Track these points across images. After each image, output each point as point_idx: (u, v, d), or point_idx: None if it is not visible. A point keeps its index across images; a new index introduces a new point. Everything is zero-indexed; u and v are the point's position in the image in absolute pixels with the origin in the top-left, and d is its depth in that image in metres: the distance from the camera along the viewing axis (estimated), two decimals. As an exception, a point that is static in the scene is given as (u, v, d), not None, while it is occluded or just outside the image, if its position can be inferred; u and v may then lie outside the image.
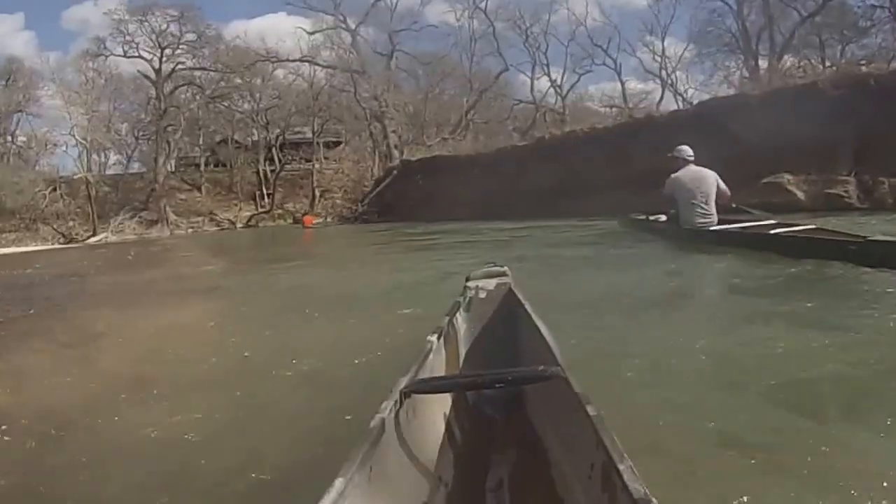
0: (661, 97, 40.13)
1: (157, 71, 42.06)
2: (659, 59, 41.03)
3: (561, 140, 21.92)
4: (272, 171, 45.85)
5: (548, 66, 43.64)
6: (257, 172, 46.47)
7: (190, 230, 41.93)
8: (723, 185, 7.56)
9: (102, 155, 46.77)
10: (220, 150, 47.46)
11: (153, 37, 41.46)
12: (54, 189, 40.23)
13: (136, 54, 42.10)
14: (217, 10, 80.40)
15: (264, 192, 46.20)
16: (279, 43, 45.53)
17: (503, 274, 2.71)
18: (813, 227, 6.71)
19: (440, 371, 2.08)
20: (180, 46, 42.33)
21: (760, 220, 7.47)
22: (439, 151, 29.34)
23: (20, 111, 41.85)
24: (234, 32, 46.67)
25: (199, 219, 44.05)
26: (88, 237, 37.77)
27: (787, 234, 6.38)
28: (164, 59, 42.05)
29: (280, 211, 46.17)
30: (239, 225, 43.63)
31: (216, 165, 47.76)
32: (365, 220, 30.70)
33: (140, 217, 40.83)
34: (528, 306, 2.37)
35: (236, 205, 45.72)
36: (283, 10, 41.24)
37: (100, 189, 41.63)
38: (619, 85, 42.10)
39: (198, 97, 43.85)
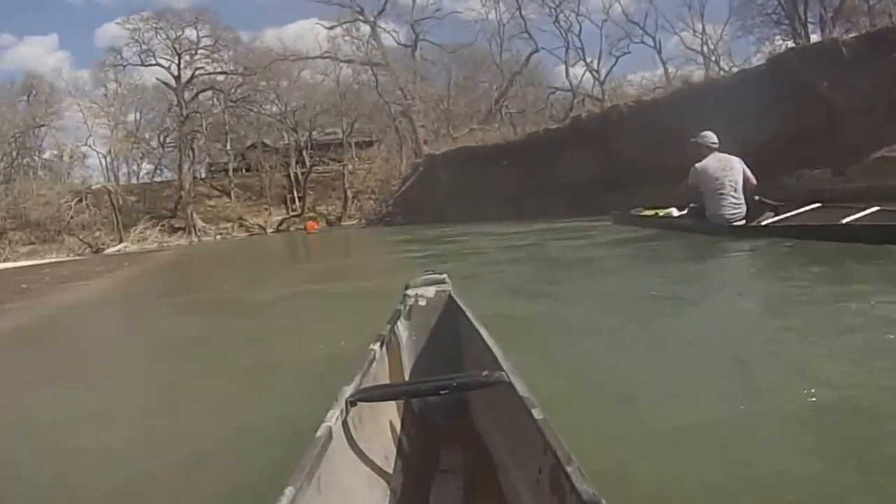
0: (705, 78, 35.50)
1: (177, 77, 40.26)
2: (700, 35, 37.06)
3: (601, 119, 17.99)
4: (303, 173, 43.70)
5: (582, 49, 39.83)
6: (287, 176, 44.45)
7: (219, 236, 40.39)
8: (748, 173, 7.13)
9: (135, 164, 45.22)
10: (249, 155, 45.69)
11: (169, 43, 39.54)
12: (80, 200, 38.78)
13: (154, 62, 40.51)
14: (250, 20, 78.55)
15: (295, 195, 44.30)
16: (308, 47, 42.73)
17: (443, 281, 2.56)
18: (875, 208, 6.12)
19: (384, 379, 2.04)
20: (198, 51, 40.33)
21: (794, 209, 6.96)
22: (467, 143, 25.86)
23: (43, 125, 40.33)
24: (266, 40, 43.80)
25: (229, 225, 42.31)
26: (102, 248, 36.34)
27: (854, 222, 5.79)
28: (183, 65, 40.29)
29: (312, 214, 44.08)
30: (269, 230, 41.71)
31: (246, 170, 45.93)
32: (388, 223, 27.58)
33: (164, 225, 39.29)
34: (468, 313, 2.29)
35: (266, 209, 43.89)
36: (314, 16, 38.35)
37: (126, 198, 40.16)
38: (660, 69, 38.21)
39: (218, 101, 41.61)
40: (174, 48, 39.77)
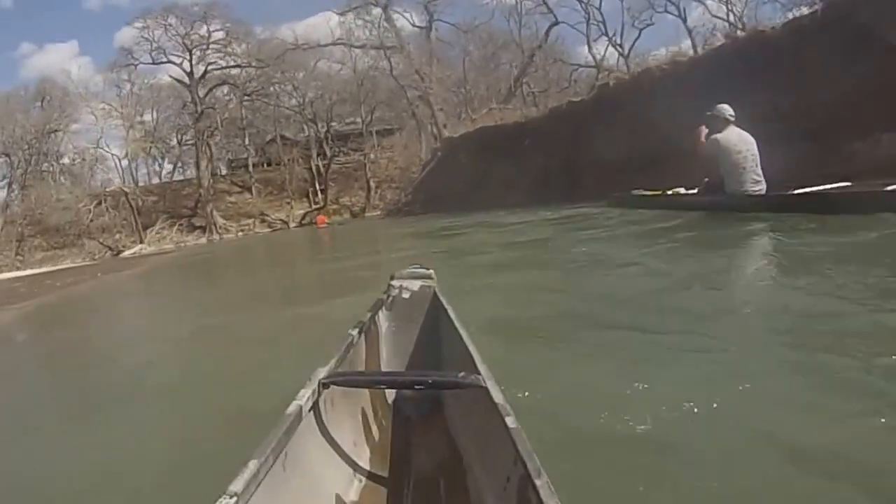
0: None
1: (190, 74, 39.10)
2: (725, 2, 34.17)
3: (631, 87, 15.19)
4: (324, 165, 42.43)
5: (604, 23, 37.25)
6: (309, 168, 43.26)
7: (240, 233, 39.50)
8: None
9: (155, 164, 44.27)
10: (269, 149, 44.69)
11: (179, 40, 38.28)
12: (99, 203, 37.90)
13: (165, 60, 39.34)
14: (266, 17, 77.11)
15: (317, 187, 43.07)
16: (321, 37, 41.06)
17: (429, 277, 2.53)
18: None
19: (360, 366, 2.04)
20: (210, 46, 38.96)
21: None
22: (486, 124, 23.97)
23: (57, 130, 39.38)
24: (280, 34, 42.28)
25: (250, 221, 41.35)
26: (122, 251, 35.51)
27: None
28: (195, 61, 39.15)
29: (335, 206, 42.85)
30: (292, 224, 40.65)
31: (267, 165, 44.73)
32: (408, 213, 25.94)
33: (182, 224, 38.33)
34: (451, 311, 2.23)
35: (288, 203, 42.64)
36: (333, 9, 36.69)
37: (147, 199, 39.25)
38: (686, 41, 35.32)
39: (234, 96, 40.26)
40: (185, 44, 38.60)
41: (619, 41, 37.30)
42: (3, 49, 71.13)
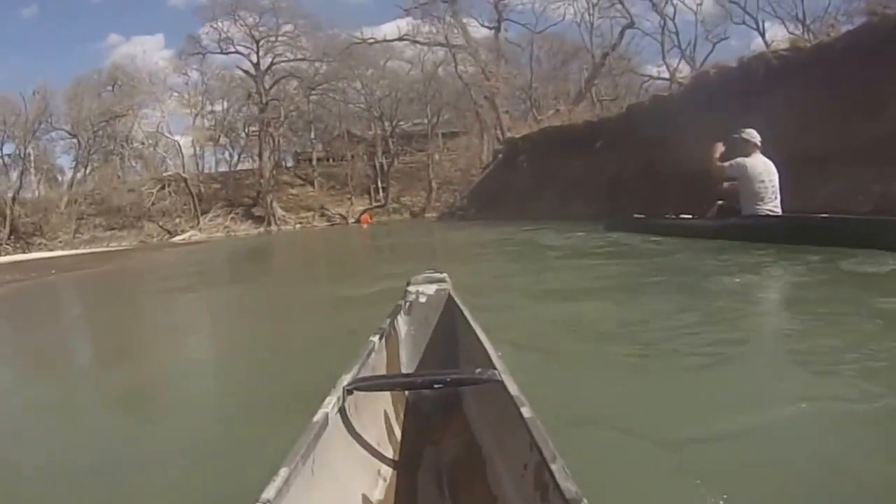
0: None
1: (256, 65, 37.58)
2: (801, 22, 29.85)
3: (740, 75, 11.60)
4: (388, 163, 40.96)
5: (677, 34, 33.83)
6: (373, 165, 41.47)
7: (298, 225, 37.89)
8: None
9: (223, 152, 42.98)
10: (335, 144, 43.23)
11: (247, 30, 36.69)
12: (163, 187, 36.70)
13: (233, 50, 37.79)
14: (343, 21, 75.79)
15: (379, 185, 40.96)
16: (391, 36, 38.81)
17: (443, 280, 2.48)
18: None
19: (381, 370, 1.97)
20: (278, 39, 37.15)
21: None
22: (552, 124, 20.81)
23: (122, 115, 38.25)
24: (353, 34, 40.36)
25: (309, 214, 39.79)
26: (177, 234, 34.21)
27: None
28: (262, 52, 37.55)
29: (395, 205, 40.74)
30: (351, 220, 38.66)
31: (333, 160, 43.15)
32: (461, 217, 23.06)
33: (238, 213, 36.97)
34: (466, 311, 2.19)
35: (349, 199, 40.62)
36: (402, 6, 34.66)
37: (210, 186, 37.95)
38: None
39: (297, 90, 38.43)
40: (252, 36, 36.96)
41: (691, 54, 34.01)
42: (92, 39, 72.35)
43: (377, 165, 41.49)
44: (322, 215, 39.96)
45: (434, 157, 40.60)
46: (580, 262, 6.59)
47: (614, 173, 14.41)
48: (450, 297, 2.39)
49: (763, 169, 6.26)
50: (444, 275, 2.52)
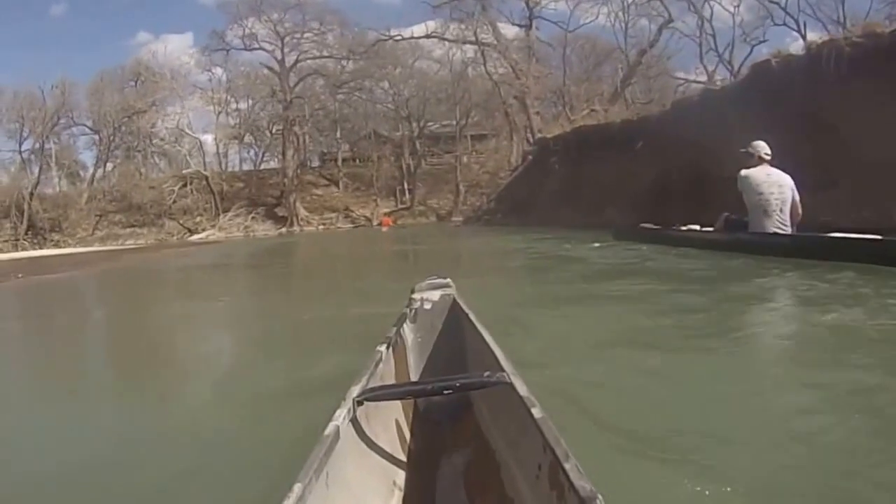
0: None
1: (280, 62, 36.58)
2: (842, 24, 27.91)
3: (805, 67, 9.95)
4: (414, 165, 40.07)
5: (713, 36, 32.48)
6: (400, 167, 40.47)
7: (321, 227, 36.92)
8: (797, 198, 6.02)
9: (251, 151, 42.30)
10: (361, 145, 42.31)
11: (272, 26, 35.69)
12: (185, 185, 35.98)
13: (257, 46, 36.87)
14: (373, 23, 75.25)
15: (405, 187, 39.77)
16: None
17: (447, 285, 2.47)
18: None
19: (390, 379, 1.94)
20: (303, 35, 36.18)
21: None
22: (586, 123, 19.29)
23: (143, 111, 37.64)
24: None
25: (333, 215, 38.85)
26: (196, 232, 33.44)
27: None
28: (287, 49, 36.58)
29: (422, 207, 39.63)
30: (376, 222, 37.35)
31: (360, 161, 42.18)
32: (487, 222, 21.69)
33: (259, 212, 36.02)
34: (472, 316, 2.17)
35: (374, 201, 39.60)
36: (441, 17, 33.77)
37: (233, 185, 37.19)
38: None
39: (323, 89, 37.43)
40: (277, 32, 35.97)
41: (728, 57, 32.67)
42: (121, 37, 72.60)
43: (404, 167, 40.46)
44: (346, 217, 39.03)
45: (462, 159, 39.47)
46: (625, 289, 5.12)
47: (656, 177, 12.86)
48: (455, 302, 2.38)
49: (765, 180, 6.02)
50: (448, 280, 2.51)
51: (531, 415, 1.26)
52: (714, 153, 10.68)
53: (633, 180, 13.53)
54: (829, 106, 9.32)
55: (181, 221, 35.61)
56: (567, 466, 1.05)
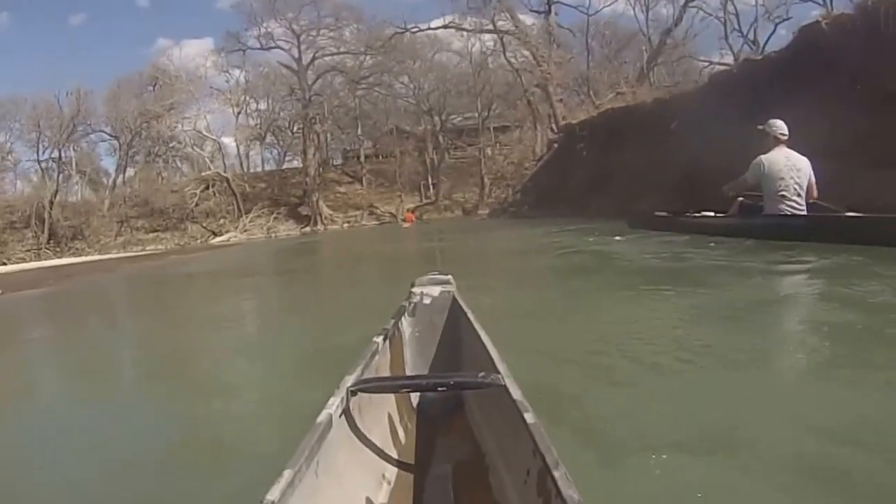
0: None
1: (298, 60, 36.09)
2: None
3: (859, 32, 8.81)
4: (438, 159, 39.48)
5: (736, 15, 31.19)
6: (423, 162, 39.97)
7: (346, 225, 36.47)
8: (813, 180, 5.81)
9: (274, 151, 42.02)
10: (383, 141, 41.85)
11: (287, 24, 35.35)
12: (207, 188, 35.76)
13: (274, 45, 36.49)
14: (389, 15, 74.70)
15: (430, 182, 39.21)
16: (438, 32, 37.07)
17: (447, 282, 2.41)
18: None
19: (385, 371, 1.96)
20: (319, 32, 35.67)
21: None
22: (614, 106, 18.37)
23: (160, 115, 37.48)
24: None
25: (358, 213, 38.39)
26: (219, 235, 33.28)
27: None
28: (304, 47, 36.01)
29: (447, 202, 38.98)
30: (400, 218, 36.88)
31: (382, 157, 41.66)
32: (514, 214, 20.90)
33: (281, 212, 35.67)
34: (470, 314, 2.14)
35: (399, 197, 39.05)
36: (458, 7, 33.16)
37: (255, 186, 36.92)
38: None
39: (342, 85, 36.90)
40: (293, 29, 35.45)
41: (752, 36, 31.31)
42: (141, 44, 73.01)
43: (427, 161, 39.84)
44: (371, 214, 38.51)
45: (486, 151, 38.66)
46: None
47: (691, 161, 11.90)
48: (454, 299, 2.32)
49: (784, 165, 5.77)
50: (449, 276, 2.43)
51: (523, 419, 1.25)
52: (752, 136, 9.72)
53: (668, 165, 12.59)
54: (890, 73, 8.32)
55: (204, 224, 35.38)
56: (556, 474, 1.03)
